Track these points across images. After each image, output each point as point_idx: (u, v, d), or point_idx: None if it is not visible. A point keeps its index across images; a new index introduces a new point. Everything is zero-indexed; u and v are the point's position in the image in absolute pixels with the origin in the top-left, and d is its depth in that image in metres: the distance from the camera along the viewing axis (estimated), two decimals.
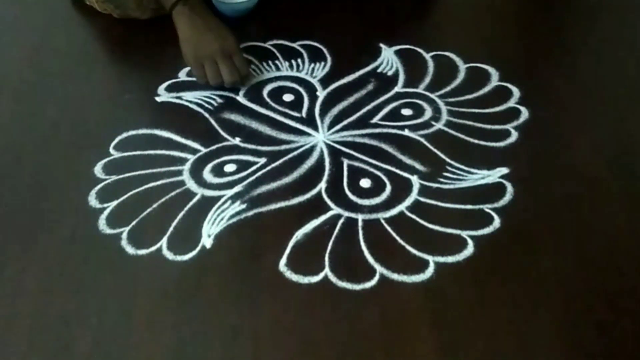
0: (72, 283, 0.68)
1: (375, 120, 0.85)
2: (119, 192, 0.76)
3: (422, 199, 0.75)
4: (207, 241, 0.71)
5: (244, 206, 0.74)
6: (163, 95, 0.89)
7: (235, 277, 0.68)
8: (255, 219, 0.73)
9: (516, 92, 0.88)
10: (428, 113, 0.86)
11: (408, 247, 0.70)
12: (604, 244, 0.70)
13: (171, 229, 0.72)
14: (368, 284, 0.66)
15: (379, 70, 0.93)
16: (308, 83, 0.91)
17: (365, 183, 0.77)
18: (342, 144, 0.82)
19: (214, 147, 0.82)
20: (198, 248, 0.70)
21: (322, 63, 0.93)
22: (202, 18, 0.88)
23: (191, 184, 0.77)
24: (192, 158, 0.80)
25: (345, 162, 0.79)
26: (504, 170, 0.78)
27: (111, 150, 0.81)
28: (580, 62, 0.95)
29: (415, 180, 0.77)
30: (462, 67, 0.93)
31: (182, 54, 0.88)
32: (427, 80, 0.91)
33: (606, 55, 0.96)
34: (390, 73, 0.92)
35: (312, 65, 0.94)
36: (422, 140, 0.82)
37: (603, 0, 1.08)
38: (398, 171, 0.78)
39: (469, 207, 0.74)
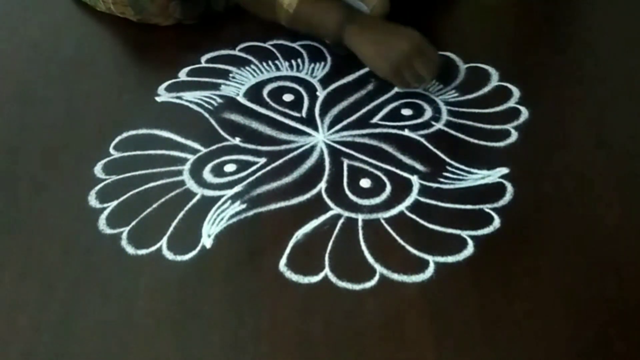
0: (72, 283, 0.67)
1: (375, 120, 0.85)
2: (119, 192, 0.76)
3: (422, 199, 0.75)
4: (207, 241, 0.71)
5: (243, 206, 0.74)
6: (163, 95, 0.89)
7: (235, 277, 0.68)
8: (255, 219, 0.73)
9: (516, 92, 0.88)
10: (428, 113, 0.86)
11: (408, 247, 0.70)
12: (604, 244, 0.70)
13: (171, 229, 0.72)
14: (368, 284, 0.66)
15: None
16: (308, 83, 0.91)
17: (365, 183, 0.77)
18: (342, 144, 0.82)
19: (214, 147, 0.82)
20: (198, 248, 0.70)
21: (322, 63, 0.93)
22: (375, 28, 0.85)
23: (191, 184, 0.77)
24: (192, 158, 0.80)
25: (345, 162, 0.79)
26: (504, 170, 0.78)
27: (111, 150, 0.81)
28: (581, 62, 0.95)
29: (415, 180, 0.77)
30: (462, 67, 0.93)
31: (373, 70, 0.85)
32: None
33: (607, 55, 0.96)
34: None
35: (312, 65, 0.94)
36: (422, 140, 0.82)
37: None
38: (398, 171, 0.78)
39: (469, 207, 0.74)
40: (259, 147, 0.82)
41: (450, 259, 0.68)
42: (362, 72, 0.92)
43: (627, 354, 0.61)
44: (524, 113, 0.85)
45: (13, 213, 0.75)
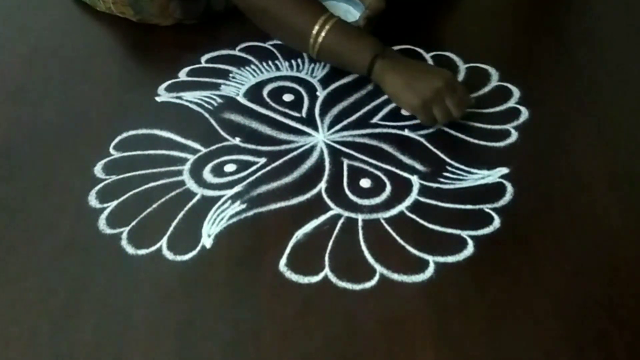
0: (72, 283, 0.67)
1: (375, 120, 0.85)
2: (119, 192, 0.76)
3: (422, 199, 0.75)
4: (207, 241, 0.71)
5: (244, 206, 0.74)
6: (163, 95, 0.89)
7: (235, 277, 0.68)
8: (255, 219, 0.73)
9: (516, 92, 0.88)
10: None
11: (408, 247, 0.70)
12: (604, 244, 0.70)
13: (171, 229, 0.72)
14: (368, 284, 0.66)
15: None
16: (308, 83, 0.91)
17: (365, 183, 0.77)
18: (342, 144, 0.82)
19: (214, 147, 0.82)
20: (198, 248, 0.70)
21: (322, 63, 0.93)
22: (406, 63, 0.83)
23: (191, 184, 0.77)
24: (192, 158, 0.80)
25: (345, 162, 0.79)
26: (504, 170, 0.78)
27: (111, 150, 0.81)
28: (581, 62, 0.95)
29: (415, 180, 0.77)
30: (462, 67, 0.93)
31: (399, 104, 0.82)
32: None
33: (607, 55, 0.96)
34: None
35: (312, 65, 0.94)
36: (422, 140, 0.82)
37: None
38: (398, 171, 0.78)
39: (469, 207, 0.74)
40: (259, 147, 0.82)
41: (450, 259, 0.69)
42: None
43: (627, 354, 0.61)
44: (524, 113, 0.85)
45: (13, 213, 0.75)
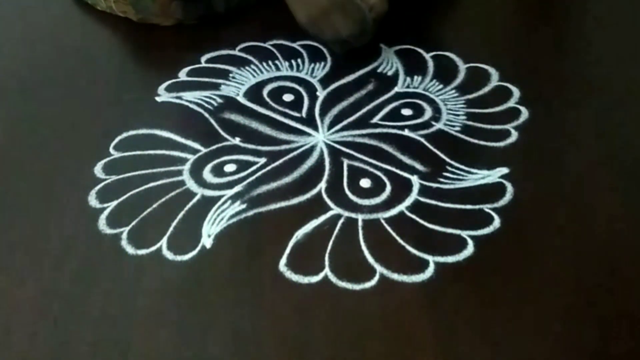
0: (72, 283, 0.67)
1: (375, 120, 0.85)
2: (119, 192, 0.76)
3: (422, 199, 0.75)
4: (207, 241, 0.71)
5: (244, 206, 0.74)
6: (163, 95, 0.89)
7: (235, 277, 0.68)
8: (255, 219, 0.73)
9: (516, 92, 0.88)
10: (428, 113, 0.86)
11: (408, 247, 0.70)
12: (605, 244, 0.70)
13: (171, 229, 0.72)
14: (368, 284, 0.66)
15: (379, 70, 0.93)
16: (308, 83, 0.91)
17: (365, 183, 0.77)
18: (342, 144, 0.82)
19: (214, 147, 0.82)
20: (198, 248, 0.70)
21: (322, 63, 0.93)
22: None
23: (191, 184, 0.77)
24: (192, 158, 0.80)
25: (345, 162, 0.79)
26: (504, 170, 0.78)
27: (111, 150, 0.82)
28: (581, 62, 0.95)
29: (415, 180, 0.77)
30: (462, 67, 0.93)
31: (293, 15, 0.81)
32: (427, 80, 0.91)
33: (607, 55, 0.96)
34: (390, 73, 0.92)
35: (312, 65, 0.94)
36: (422, 140, 0.82)
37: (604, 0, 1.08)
38: (398, 171, 0.78)
39: (469, 207, 0.74)
40: (259, 147, 0.82)
41: (450, 259, 0.68)
42: (362, 72, 0.92)
43: (627, 355, 0.61)
44: (524, 113, 0.85)
45: (12, 213, 0.75)
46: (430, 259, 0.68)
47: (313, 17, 0.79)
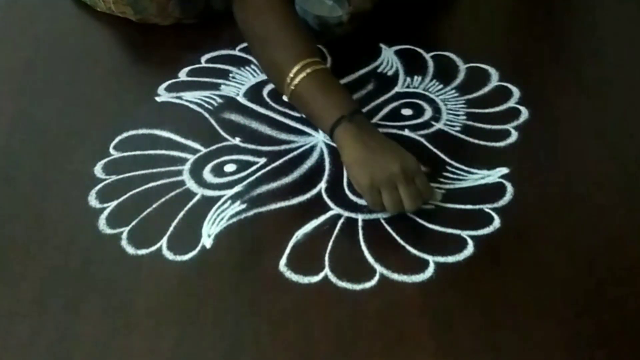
0: (73, 283, 0.67)
1: (375, 120, 0.85)
2: (119, 192, 0.76)
3: None
4: (207, 241, 0.71)
5: (244, 206, 0.74)
6: (163, 95, 0.89)
7: (235, 277, 0.68)
8: (255, 219, 0.73)
9: (516, 92, 0.88)
10: (428, 113, 0.86)
11: (408, 247, 0.70)
12: (605, 244, 0.70)
13: (171, 229, 0.72)
14: (368, 284, 0.66)
15: (379, 70, 0.93)
16: None
17: None
18: None
19: (214, 147, 0.82)
20: (198, 248, 0.70)
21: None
22: (372, 136, 0.73)
23: (191, 184, 0.77)
24: (192, 158, 0.80)
25: None
26: (504, 170, 0.78)
27: (111, 150, 0.81)
28: (581, 62, 0.95)
29: None
30: (462, 67, 0.93)
31: (350, 177, 0.73)
32: (427, 80, 0.91)
33: (607, 55, 0.96)
34: (390, 73, 0.92)
35: None
36: (422, 140, 0.82)
37: None
38: None
39: (469, 207, 0.74)
40: (259, 147, 0.82)
41: (450, 259, 0.68)
42: (362, 72, 0.92)
43: (627, 355, 0.61)
44: (524, 113, 0.85)
45: (12, 213, 0.75)
46: (430, 259, 0.68)
47: (377, 183, 0.70)
